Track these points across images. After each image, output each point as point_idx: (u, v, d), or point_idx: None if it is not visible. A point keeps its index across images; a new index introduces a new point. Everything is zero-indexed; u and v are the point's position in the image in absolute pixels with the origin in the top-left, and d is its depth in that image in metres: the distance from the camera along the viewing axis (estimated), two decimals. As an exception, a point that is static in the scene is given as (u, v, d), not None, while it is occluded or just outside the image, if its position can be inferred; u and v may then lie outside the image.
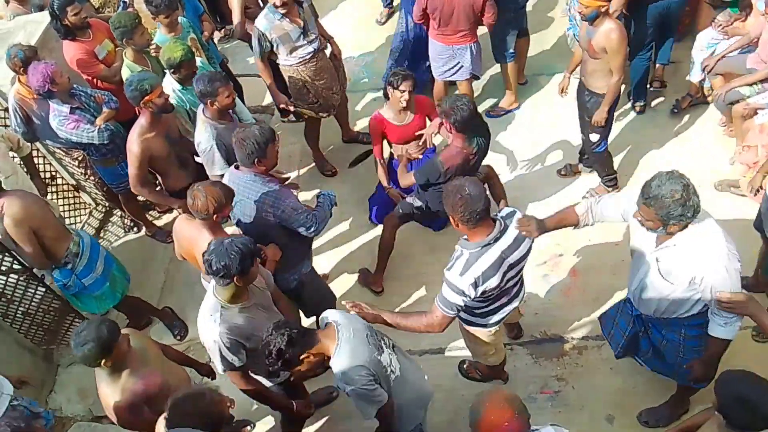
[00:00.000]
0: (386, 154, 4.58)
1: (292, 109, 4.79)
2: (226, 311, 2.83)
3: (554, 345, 4.05)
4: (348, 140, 5.47)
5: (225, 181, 3.37)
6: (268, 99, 5.79)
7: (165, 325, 4.53)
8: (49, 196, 4.85)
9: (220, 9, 6.46)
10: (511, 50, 5.09)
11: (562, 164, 4.97)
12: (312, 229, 3.35)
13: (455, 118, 3.49)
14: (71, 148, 4.59)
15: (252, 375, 3.07)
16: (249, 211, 3.30)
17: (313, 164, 5.35)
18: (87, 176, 4.93)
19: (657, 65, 5.22)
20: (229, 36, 6.58)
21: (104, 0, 6.52)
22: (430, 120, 4.33)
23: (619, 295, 3.96)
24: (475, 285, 2.78)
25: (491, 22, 4.64)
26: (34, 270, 4.08)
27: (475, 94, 5.33)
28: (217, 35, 6.46)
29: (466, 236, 2.84)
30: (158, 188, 4.32)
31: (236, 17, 5.03)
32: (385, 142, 4.44)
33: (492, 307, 3.09)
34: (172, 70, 4.06)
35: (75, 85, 4.25)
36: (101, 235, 5.30)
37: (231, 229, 3.55)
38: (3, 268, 3.97)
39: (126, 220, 5.23)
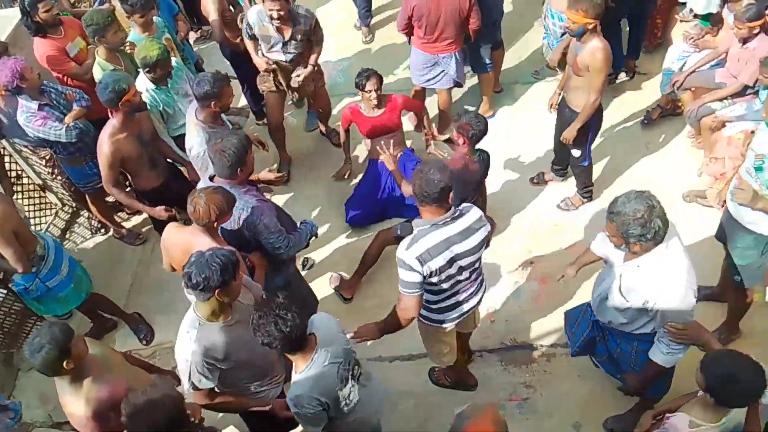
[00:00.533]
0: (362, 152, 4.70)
1: (273, 67, 4.62)
2: (203, 328, 2.70)
3: (523, 352, 4.07)
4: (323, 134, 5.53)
5: None
6: (242, 101, 5.77)
7: (131, 329, 4.45)
8: (13, 197, 4.74)
9: (197, 10, 6.40)
10: (487, 61, 5.14)
11: (535, 172, 5.01)
12: (281, 251, 3.30)
13: (473, 132, 3.70)
14: (38, 147, 4.49)
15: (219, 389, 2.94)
16: (227, 223, 3.20)
17: (289, 167, 5.29)
18: (54, 176, 4.83)
19: (629, 61, 5.40)
20: (206, 37, 6.53)
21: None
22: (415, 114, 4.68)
23: (589, 303, 3.99)
24: (421, 261, 2.79)
25: (475, 27, 4.66)
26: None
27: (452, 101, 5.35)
28: (193, 36, 6.43)
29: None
30: (128, 189, 4.24)
31: (212, 18, 4.98)
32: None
33: (448, 303, 3.11)
34: (147, 69, 4.01)
35: (45, 82, 4.17)
36: (67, 236, 5.20)
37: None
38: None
39: (93, 222, 5.14)
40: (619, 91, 5.46)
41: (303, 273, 4.55)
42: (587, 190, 4.68)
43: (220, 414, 3.60)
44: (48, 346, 2.56)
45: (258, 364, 2.95)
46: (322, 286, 4.47)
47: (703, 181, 4.66)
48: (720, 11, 4.54)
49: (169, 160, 4.27)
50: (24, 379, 4.35)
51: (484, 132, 3.78)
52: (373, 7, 6.46)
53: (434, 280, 2.90)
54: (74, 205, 5.25)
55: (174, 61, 4.27)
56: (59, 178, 4.82)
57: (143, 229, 5.14)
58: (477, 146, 3.83)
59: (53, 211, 5.26)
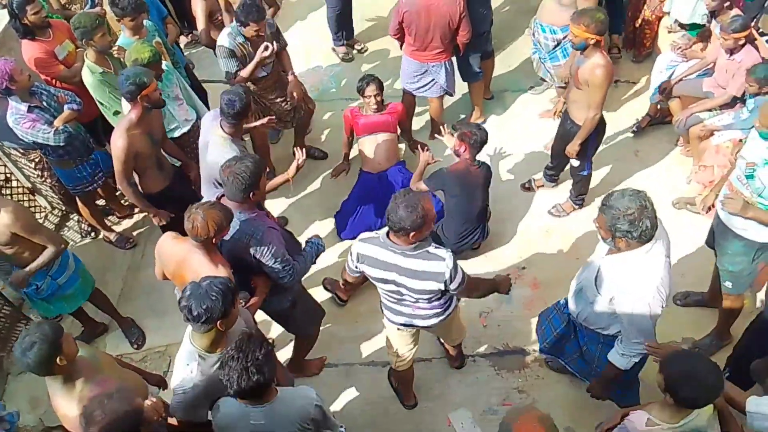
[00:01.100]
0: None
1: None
2: (204, 361, 2.61)
3: (516, 357, 4.09)
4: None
5: None
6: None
7: (123, 332, 4.41)
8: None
9: (188, 15, 6.38)
10: (477, 69, 5.16)
11: (526, 178, 5.05)
12: (285, 281, 3.19)
13: (475, 140, 3.96)
14: (28, 149, 4.45)
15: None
16: (229, 246, 3.13)
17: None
18: (44, 179, 4.78)
19: (612, 36, 5.58)
20: (196, 41, 6.50)
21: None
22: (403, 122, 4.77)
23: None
24: (359, 258, 2.99)
25: (465, 40, 4.66)
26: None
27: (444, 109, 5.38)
28: (183, 40, 6.41)
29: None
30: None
31: (200, 24, 4.98)
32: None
33: (387, 303, 3.23)
34: None
35: (37, 84, 4.13)
36: (57, 239, 5.13)
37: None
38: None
39: (83, 225, 5.09)
40: (608, 100, 5.48)
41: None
42: (580, 198, 4.72)
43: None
44: (39, 342, 2.51)
45: None
46: (317, 292, 4.47)
47: (693, 188, 4.73)
48: (708, 25, 4.60)
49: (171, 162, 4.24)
50: (14, 384, 4.29)
51: (485, 140, 4.01)
52: (369, 15, 6.51)
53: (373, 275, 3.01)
54: (64, 208, 5.20)
55: (164, 64, 4.25)
56: (49, 181, 4.76)
57: (134, 233, 5.11)
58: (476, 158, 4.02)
59: (43, 214, 5.20)
